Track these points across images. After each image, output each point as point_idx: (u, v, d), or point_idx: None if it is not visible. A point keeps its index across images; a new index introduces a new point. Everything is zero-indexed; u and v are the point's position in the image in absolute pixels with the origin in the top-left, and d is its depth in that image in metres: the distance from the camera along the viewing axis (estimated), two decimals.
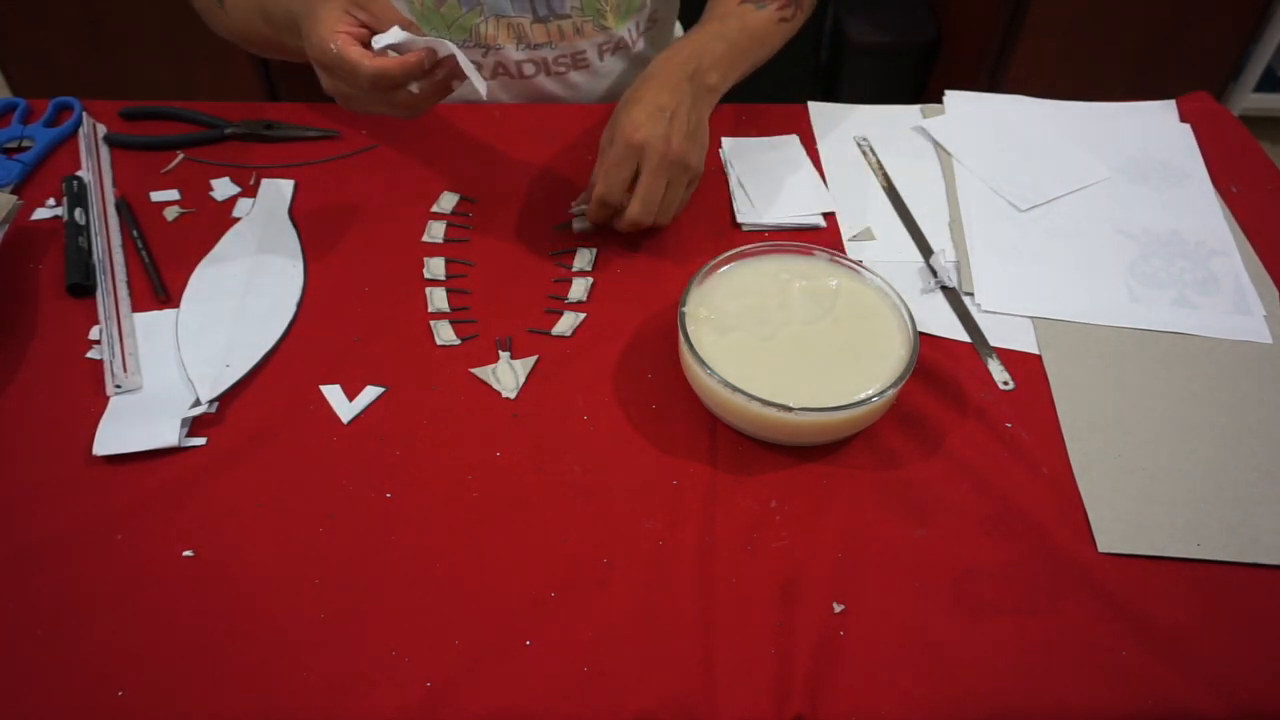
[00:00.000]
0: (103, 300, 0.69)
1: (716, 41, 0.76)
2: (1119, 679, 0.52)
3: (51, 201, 0.78)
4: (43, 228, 0.76)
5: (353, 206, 0.79)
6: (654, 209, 0.70)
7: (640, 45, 0.95)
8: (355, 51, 0.61)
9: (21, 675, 0.51)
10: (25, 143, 0.82)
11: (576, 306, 0.72)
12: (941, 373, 0.68)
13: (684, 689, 0.51)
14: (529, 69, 0.90)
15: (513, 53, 0.89)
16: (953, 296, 0.73)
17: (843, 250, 0.77)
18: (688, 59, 0.73)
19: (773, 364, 0.62)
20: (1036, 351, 0.70)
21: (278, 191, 0.80)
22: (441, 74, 0.64)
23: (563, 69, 0.91)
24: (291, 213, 0.78)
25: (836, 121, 0.90)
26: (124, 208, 0.77)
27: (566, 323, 0.70)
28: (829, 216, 0.80)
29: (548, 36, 0.88)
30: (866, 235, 0.78)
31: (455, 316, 0.70)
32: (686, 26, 1.03)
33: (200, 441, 0.61)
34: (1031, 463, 0.62)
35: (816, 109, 0.91)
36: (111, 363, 0.65)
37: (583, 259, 0.75)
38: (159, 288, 0.71)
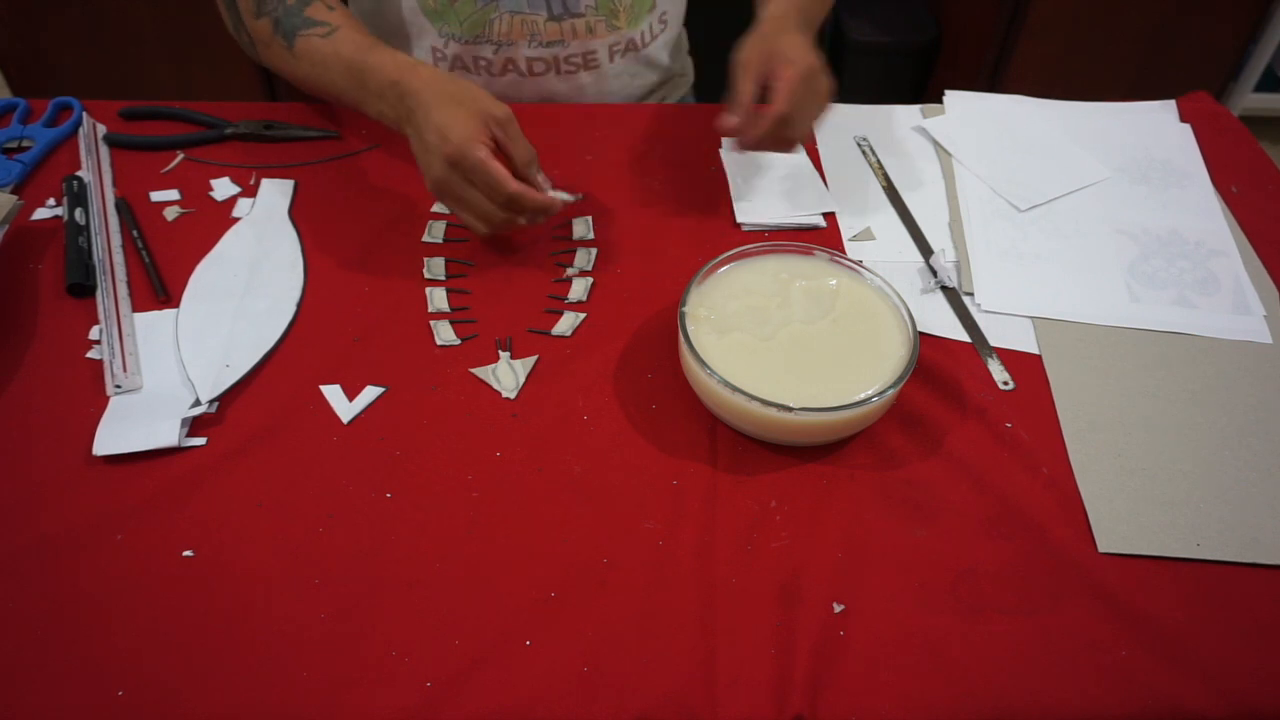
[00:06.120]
0: (103, 300, 0.69)
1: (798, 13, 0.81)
2: (1119, 679, 0.52)
3: (51, 201, 0.78)
4: (43, 228, 0.76)
5: (353, 206, 0.79)
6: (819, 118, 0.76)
7: (650, 47, 0.95)
8: (499, 168, 0.67)
9: (21, 675, 0.51)
10: (25, 143, 0.82)
11: (576, 306, 0.72)
12: (941, 373, 0.68)
13: (684, 689, 0.51)
14: (539, 67, 0.91)
15: (524, 50, 0.89)
16: (953, 296, 0.73)
17: (843, 250, 0.77)
18: (802, 16, 0.78)
19: (773, 364, 0.62)
20: (1036, 351, 0.70)
21: (278, 191, 0.80)
22: (544, 218, 0.72)
23: (573, 68, 0.91)
24: (291, 213, 0.78)
25: (836, 121, 0.90)
26: (124, 208, 0.77)
27: (566, 323, 0.70)
28: (829, 216, 0.80)
29: (561, 35, 0.88)
30: (866, 235, 0.78)
31: (455, 316, 0.70)
32: (690, 27, 1.03)
33: (200, 441, 0.61)
34: (1031, 463, 0.62)
35: None
36: (111, 363, 0.65)
37: (583, 259, 0.75)
38: (159, 288, 0.71)
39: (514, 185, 0.68)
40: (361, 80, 0.73)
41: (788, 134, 0.73)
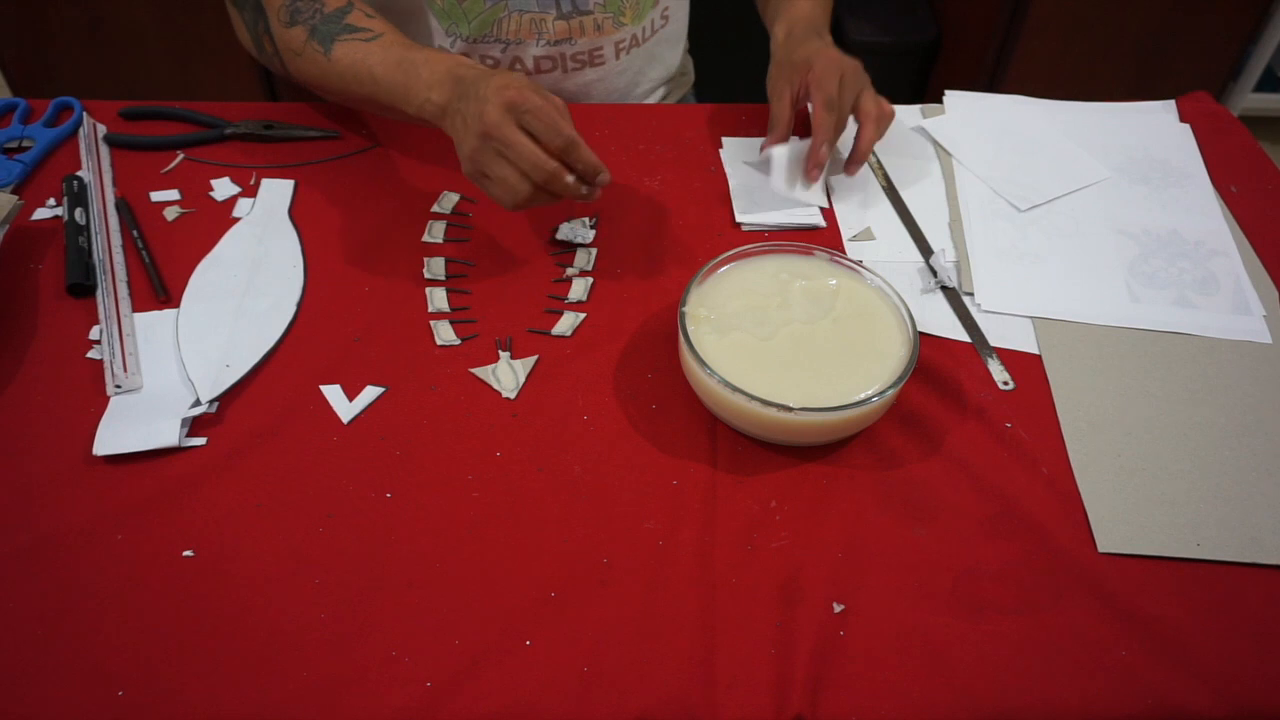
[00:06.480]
0: (103, 300, 0.69)
1: (820, 10, 0.88)
2: (1119, 679, 0.52)
3: (51, 201, 0.78)
4: (43, 228, 0.76)
5: (353, 206, 0.79)
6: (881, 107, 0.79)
7: (653, 43, 0.95)
8: (565, 124, 0.64)
9: (21, 675, 0.51)
10: (25, 143, 0.82)
11: (576, 306, 0.72)
12: (941, 373, 0.68)
13: (684, 689, 0.51)
14: (546, 65, 0.91)
15: (531, 48, 0.89)
16: (953, 296, 0.73)
17: (843, 250, 0.77)
18: (809, 26, 0.85)
19: (773, 364, 0.62)
20: (1036, 351, 0.70)
21: (278, 191, 0.80)
22: (591, 192, 0.68)
23: (579, 65, 0.92)
24: (291, 213, 0.78)
25: None
26: (124, 208, 0.77)
27: (566, 323, 0.70)
28: (829, 216, 0.80)
29: (569, 33, 0.88)
30: (866, 235, 0.78)
31: (455, 316, 0.70)
32: (690, 27, 1.03)
33: (200, 441, 0.61)
34: (1031, 463, 0.62)
35: None
36: (111, 363, 0.65)
37: (583, 259, 0.75)
38: (159, 288, 0.71)
39: (571, 130, 0.64)
40: (414, 72, 0.71)
41: (840, 118, 0.77)
